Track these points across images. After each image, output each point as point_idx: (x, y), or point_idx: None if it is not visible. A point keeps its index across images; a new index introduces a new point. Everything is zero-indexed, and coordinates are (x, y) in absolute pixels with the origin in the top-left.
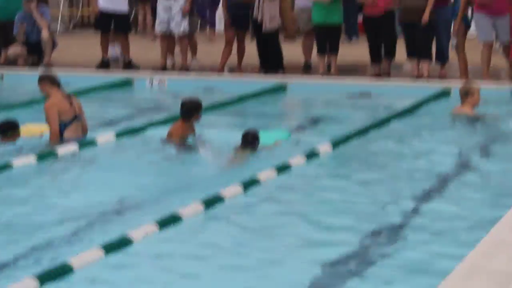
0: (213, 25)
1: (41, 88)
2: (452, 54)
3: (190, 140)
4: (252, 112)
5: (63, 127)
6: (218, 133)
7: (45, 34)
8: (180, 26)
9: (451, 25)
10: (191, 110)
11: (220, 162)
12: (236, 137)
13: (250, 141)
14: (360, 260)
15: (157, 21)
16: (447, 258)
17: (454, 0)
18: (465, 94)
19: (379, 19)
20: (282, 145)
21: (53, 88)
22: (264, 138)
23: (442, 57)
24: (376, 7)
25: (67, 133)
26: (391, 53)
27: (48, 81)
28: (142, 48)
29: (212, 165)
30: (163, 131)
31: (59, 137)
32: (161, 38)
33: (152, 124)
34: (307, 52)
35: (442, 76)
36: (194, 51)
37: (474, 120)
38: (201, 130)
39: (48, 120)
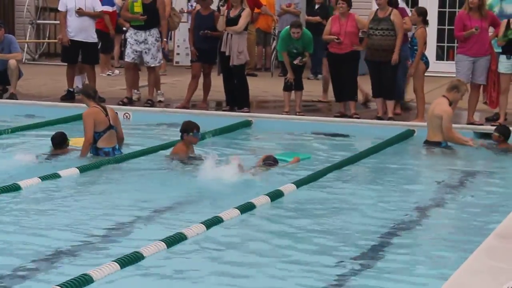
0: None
1: (82, 99)
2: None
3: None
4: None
5: (97, 136)
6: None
7: (12, 63)
8: (156, 58)
9: (407, 63)
10: (185, 130)
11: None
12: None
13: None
14: None
15: (127, 52)
16: None
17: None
18: (453, 88)
19: (343, 57)
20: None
21: (89, 100)
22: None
23: (400, 96)
24: (342, 45)
25: (100, 143)
26: (353, 94)
27: (84, 94)
28: (107, 79)
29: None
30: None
31: (91, 144)
32: (126, 69)
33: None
34: None
35: (397, 115)
36: (157, 85)
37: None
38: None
39: (84, 128)
